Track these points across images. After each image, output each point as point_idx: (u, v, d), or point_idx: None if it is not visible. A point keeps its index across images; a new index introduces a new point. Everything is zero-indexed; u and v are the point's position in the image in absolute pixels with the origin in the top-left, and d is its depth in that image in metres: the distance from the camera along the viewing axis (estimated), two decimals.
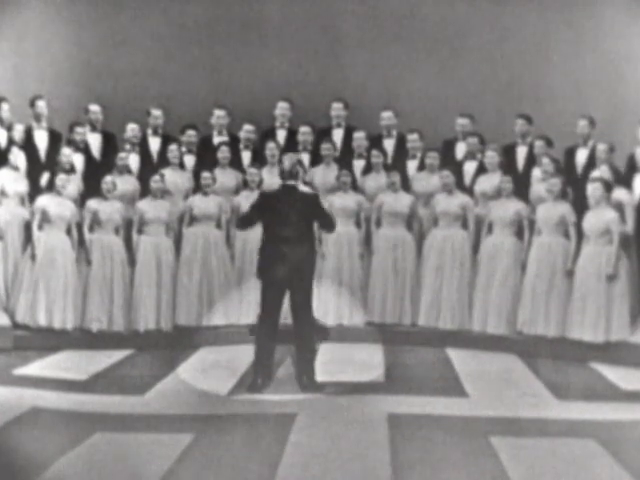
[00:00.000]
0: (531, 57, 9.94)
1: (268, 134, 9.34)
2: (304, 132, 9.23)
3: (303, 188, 7.29)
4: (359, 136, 9.18)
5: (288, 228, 6.73)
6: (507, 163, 8.80)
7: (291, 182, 6.93)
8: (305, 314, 6.84)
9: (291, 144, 9.20)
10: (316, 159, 9.14)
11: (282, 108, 9.43)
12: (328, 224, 7.05)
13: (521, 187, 8.54)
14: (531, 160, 8.85)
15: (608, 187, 7.95)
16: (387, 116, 9.31)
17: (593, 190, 7.95)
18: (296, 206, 6.83)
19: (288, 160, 7.02)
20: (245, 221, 7.20)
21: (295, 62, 10.12)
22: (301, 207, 6.84)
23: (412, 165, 9.10)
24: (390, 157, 9.18)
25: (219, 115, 9.39)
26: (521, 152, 8.96)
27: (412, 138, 9.09)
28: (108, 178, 8.53)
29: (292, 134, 9.36)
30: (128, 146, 9.11)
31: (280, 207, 6.83)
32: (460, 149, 9.16)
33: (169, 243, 8.63)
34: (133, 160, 9.12)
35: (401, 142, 9.23)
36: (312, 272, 6.91)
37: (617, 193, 8.07)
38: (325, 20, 10.22)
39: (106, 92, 9.82)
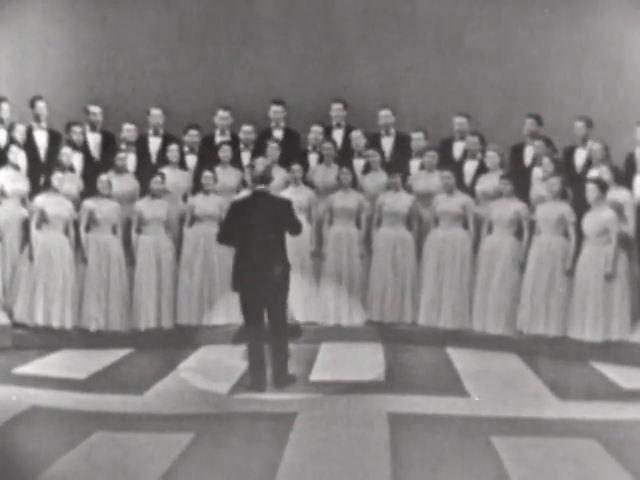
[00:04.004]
0: (531, 57, 9.93)
1: (265, 135, 9.33)
2: (315, 131, 9.22)
3: (275, 193, 7.28)
4: (356, 135, 9.18)
5: (260, 234, 6.72)
6: (515, 163, 8.80)
7: (262, 187, 6.93)
8: (279, 318, 6.87)
9: (287, 144, 9.18)
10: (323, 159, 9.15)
11: (275, 111, 9.42)
12: (295, 230, 6.97)
13: (528, 187, 8.55)
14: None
15: (603, 188, 7.95)
16: (385, 114, 9.31)
17: (589, 191, 7.96)
18: (268, 211, 6.82)
19: (260, 165, 7.01)
20: (224, 234, 7.03)
21: (295, 62, 10.11)
22: (273, 213, 6.84)
23: (415, 164, 9.09)
24: (389, 156, 9.18)
25: (223, 116, 9.38)
26: (529, 152, 8.94)
27: (416, 137, 9.08)
28: (103, 177, 8.52)
29: (288, 134, 9.35)
30: (124, 146, 9.10)
31: (252, 213, 6.82)
32: (458, 148, 9.16)
33: (169, 242, 8.62)
34: (130, 159, 9.11)
35: (399, 141, 9.23)
36: (286, 278, 6.85)
37: (618, 193, 8.07)
38: (325, 20, 10.21)
39: (106, 92, 9.81)
